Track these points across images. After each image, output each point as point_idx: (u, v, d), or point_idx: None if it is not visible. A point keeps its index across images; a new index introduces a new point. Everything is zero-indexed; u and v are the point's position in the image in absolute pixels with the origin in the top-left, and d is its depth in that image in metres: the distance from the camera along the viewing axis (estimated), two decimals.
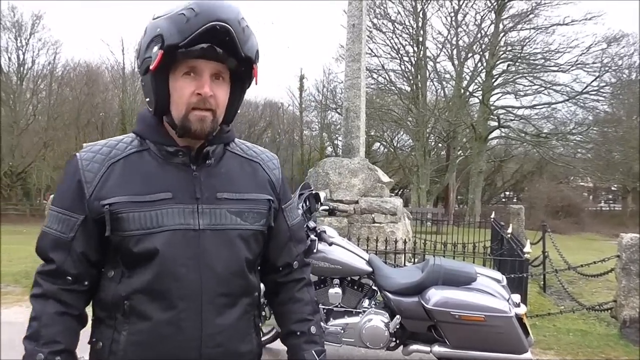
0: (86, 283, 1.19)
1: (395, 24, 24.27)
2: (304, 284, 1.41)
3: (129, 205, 1.14)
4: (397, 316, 3.68)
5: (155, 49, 1.12)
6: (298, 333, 1.34)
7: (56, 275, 1.16)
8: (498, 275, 3.82)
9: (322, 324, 3.90)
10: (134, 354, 1.15)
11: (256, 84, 1.22)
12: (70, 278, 1.16)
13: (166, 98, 1.17)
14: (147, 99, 1.20)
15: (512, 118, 25.83)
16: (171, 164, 1.20)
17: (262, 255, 1.33)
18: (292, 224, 1.39)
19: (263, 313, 3.63)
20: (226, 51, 1.13)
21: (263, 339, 3.54)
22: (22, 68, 27.38)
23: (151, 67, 1.12)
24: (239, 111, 1.30)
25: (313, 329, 1.35)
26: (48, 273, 1.17)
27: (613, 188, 35.14)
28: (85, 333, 1.24)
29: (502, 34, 24.13)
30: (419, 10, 23.97)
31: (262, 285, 1.38)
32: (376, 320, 3.75)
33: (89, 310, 1.24)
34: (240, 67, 1.19)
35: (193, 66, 1.14)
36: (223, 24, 1.09)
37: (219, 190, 1.21)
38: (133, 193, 1.15)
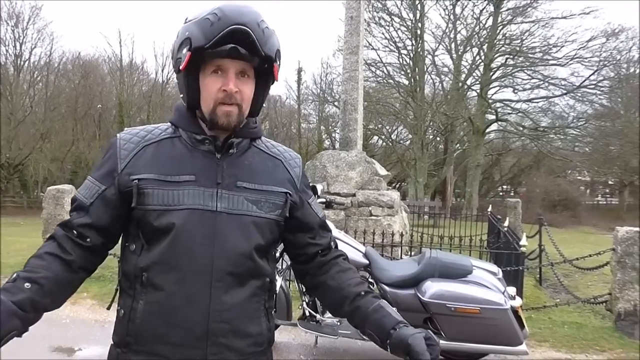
0: (88, 240, 1.30)
1: (393, 17, 24.20)
2: (344, 257, 1.52)
3: (155, 183, 1.27)
4: (393, 309, 3.69)
5: (185, 50, 1.25)
6: (362, 292, 1.41)
7: (67, 225, 1.31)
8: (494, 268, 3.84)
9: (319, 315, 3.94)
10: (149, 323, 1.25)
11: (276, 80, 1.35)
12: (75, 232, 1.29)
13: (197, 94, 1.30)
14: (181, 95, 1.34)
15: (510, 111, 25.86)
16: (198, 151, 1.32)
17: (301, 247, 1.46)
18: (321, 215, 1.51)
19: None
20: (248, 51, 1.24)
21: None
22: (19, 59, 27.23)
23: (181, 67, 1.25)
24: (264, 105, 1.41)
25: (369, 288, 1.45)
26: (62, 223, 1.33)
27: (610, 182, 35.21)
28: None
29: (500, 27, 24.06)
30: (417, 3, 23.88)
31: (280, 282, 1.43)
32: None
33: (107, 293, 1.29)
34: (263, 65, 1.30)
35: (220, 65, 1.26)
36: (243, 27, 1.21)
37: (239, 179, 1.32)
38: (160, 173, 1.28)
